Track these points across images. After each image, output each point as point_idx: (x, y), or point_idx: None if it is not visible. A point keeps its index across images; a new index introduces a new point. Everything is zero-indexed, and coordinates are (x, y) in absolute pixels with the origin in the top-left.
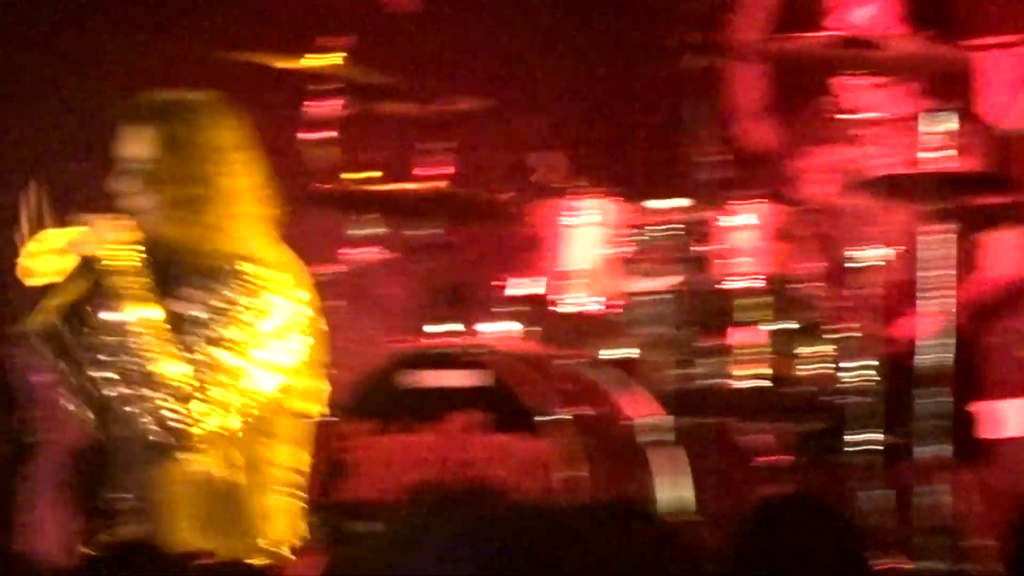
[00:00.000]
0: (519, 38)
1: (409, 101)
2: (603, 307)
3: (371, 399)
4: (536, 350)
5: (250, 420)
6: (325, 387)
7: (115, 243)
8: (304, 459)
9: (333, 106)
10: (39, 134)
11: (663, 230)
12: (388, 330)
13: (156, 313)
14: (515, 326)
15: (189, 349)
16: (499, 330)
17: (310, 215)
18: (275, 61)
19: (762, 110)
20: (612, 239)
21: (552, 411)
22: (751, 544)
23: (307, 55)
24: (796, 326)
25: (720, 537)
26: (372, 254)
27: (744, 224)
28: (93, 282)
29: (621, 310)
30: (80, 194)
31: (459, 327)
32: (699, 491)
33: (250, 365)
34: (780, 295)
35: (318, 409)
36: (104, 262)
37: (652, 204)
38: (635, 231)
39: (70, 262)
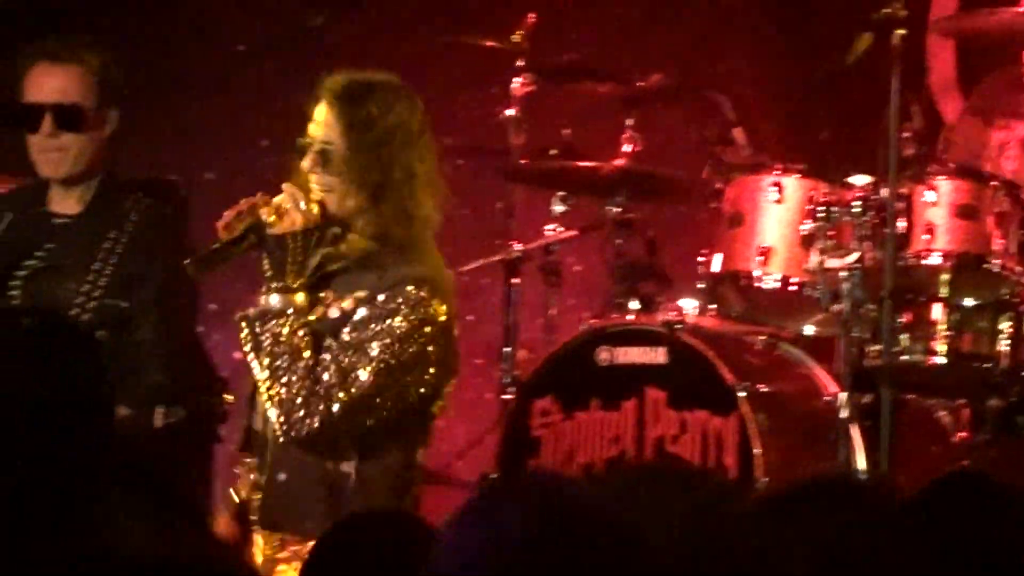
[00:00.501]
0: (709, 14)
1: (602, 79)
2: (796, 284)
3: (565, 375)
4: (730, 327)
5: (371, 423)
6: (449, 388)
7: (302, 214)
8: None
9: (526, 83)
10: (228, 117)
11: (855, 206)
12: (583, 306)
13: (301, 299)
14: (709, 303)
15: (328, 346)
16: (693, 306)
17: (506, 193)
18: (469, 39)
19: (955, 85)
20: (804, 216)
21: (747, 387)
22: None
23: (499, 33)
24: (988, 302)
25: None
26: (566, 232)
27: (935, 200)
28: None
29: (813, 287)
30: (268, 176)
31: (652, 303)
32: (893, 469)
33: (383, 375)
34: (971, 271)
35: (439, 407)
36: (281, 230)
37: (844, 180)
38: (827, 208)
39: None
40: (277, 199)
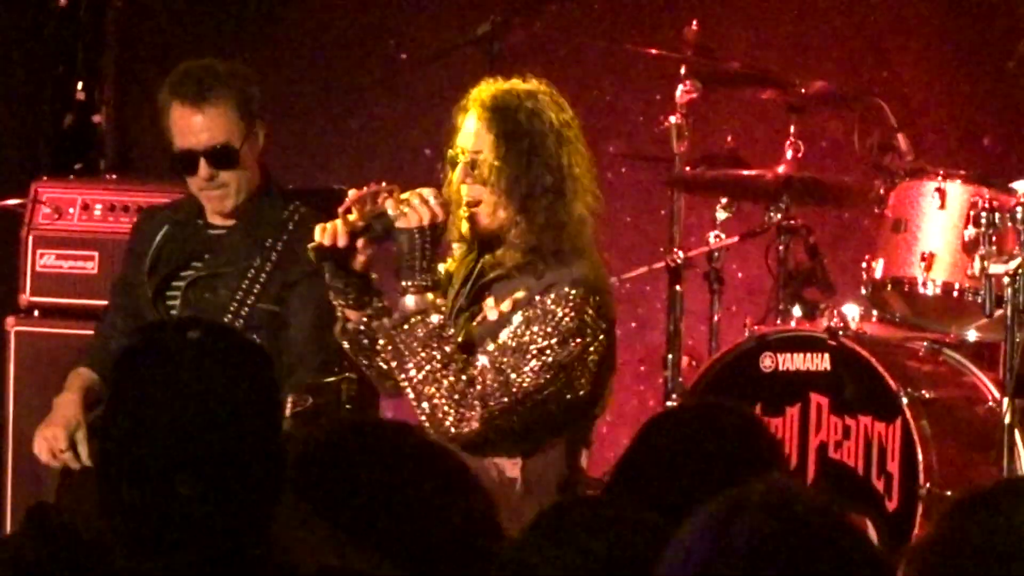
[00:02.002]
0: (873, 19)
1: (765, 85)
2: (958, 290)
3: (729, 382)
4: (893, 333)
5: (534, 423)
6: (610, 387)
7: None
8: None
9: (689, 91)
10: (393, 126)
11: (1018, 212)
12: (746, 313)
13: (432, 297)
14: (872, 308)
15: (487, 350)
16: (856, 312)
17: (669, 200)
18: (634, 47)
19: None
20: (967, 221)
21: (910, 394)
22: None
23: (664, 41)
24: None
25: None
26: (729, 238)
27: None
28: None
29: (976, 292)
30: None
31: (816, 309)
32: None
33: (544, 374)
34: None
35: (601, 407)
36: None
37: (1008, 185)
38: (989, 213)
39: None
40: (405, 194)
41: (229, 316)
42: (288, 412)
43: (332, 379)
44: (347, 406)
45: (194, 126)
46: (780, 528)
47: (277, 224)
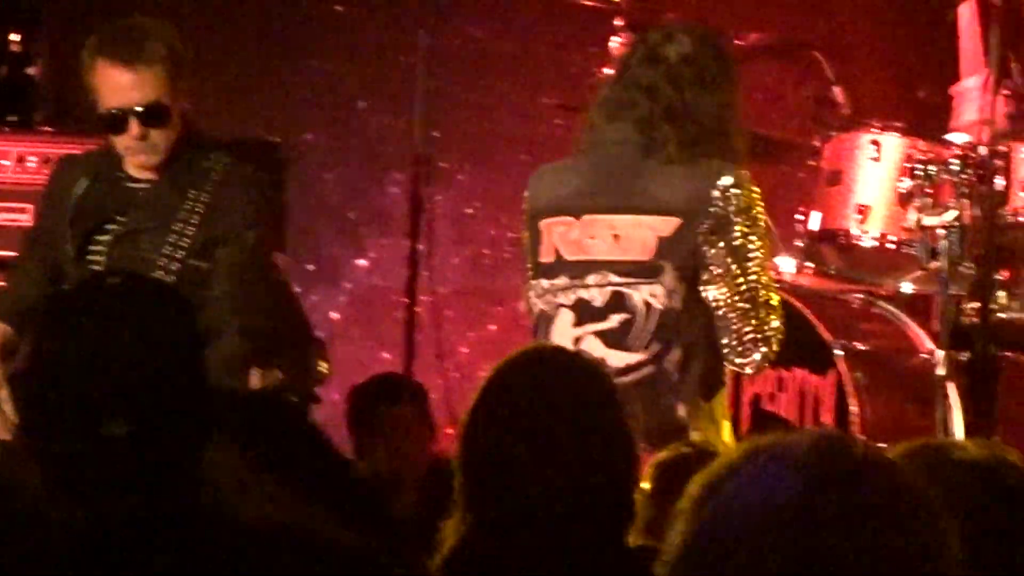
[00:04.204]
0: None
1: None
2: (893, 242)
3: None
4: (827, 285)
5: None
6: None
7: None
8: None
9: (624, 42)
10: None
11: (953, 164)
12: None
13: None
14: (807, 261)
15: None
16: (791, 264)
17: None
18: None
19: None
20: (902, 174)
21: (844, 345)
22: None
23: None
24: None
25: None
26: None
27: None
28: None
29: (911, 245)
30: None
31: None
32: (990, 426)
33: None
34: None
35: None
36: None
37: (943, 138)
38: (925, 165)
39: None
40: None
41: (159, 273)
42: (257, 385)
43: (301, 358)
44: (317, 380)
45: (125, 85)
46: (825, 479)
47: (201, 177)
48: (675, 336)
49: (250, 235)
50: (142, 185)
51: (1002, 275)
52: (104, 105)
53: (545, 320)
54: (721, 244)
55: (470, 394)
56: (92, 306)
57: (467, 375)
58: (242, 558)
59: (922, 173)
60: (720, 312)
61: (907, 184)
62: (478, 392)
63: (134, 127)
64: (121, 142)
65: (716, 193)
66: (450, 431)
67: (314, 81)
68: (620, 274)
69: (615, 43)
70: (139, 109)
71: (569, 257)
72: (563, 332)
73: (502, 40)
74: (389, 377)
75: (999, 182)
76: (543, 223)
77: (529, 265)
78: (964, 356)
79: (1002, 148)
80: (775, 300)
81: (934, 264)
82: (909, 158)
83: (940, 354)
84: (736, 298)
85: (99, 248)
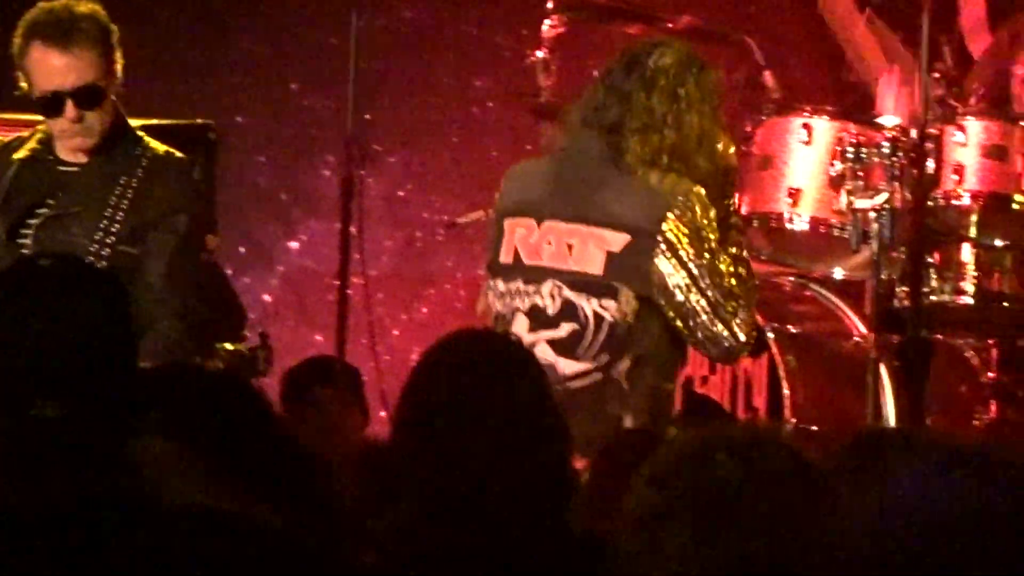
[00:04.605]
0: None
1: (631, 20)
2: (825, 225)
3: None
4: (759, 268)
5: None
6: None
7: None
8: None
9: (555, 25)
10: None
11: (884, 147)
12: None
13: None
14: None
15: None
16: None
17: (536, 135)
18: None
19: (985, 25)
20: (833, 157)
21: (776, 329)
22: None
23: None
24: (1016, 242)
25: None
26: None
27: (964, 140)
28: None
29: (842, 228)
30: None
31: None
32: (922, 409)
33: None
34: (999, 211)
35: None
36: None
37: (874, 121)
38: (856, 149)
39: None
40: None
41: (91, 258)
42: None
43: (242, 347)
44: (261, 371)
45: (60, 67)
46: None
47: (131, 161)
48: (625, 347)
49: (181, 219)
50: (73, 168)
51: (933, 258)
52: (39, 88)
53: (502, 322)
54: (672, 273)
55: (402, 377)
56: (24, 288)
57: (399, 358)
58: (166, 541)
59: (853, 156)
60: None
61: (838, 167)
62: (409, 377)
63: (70, 109)
64: (56, 125)
65: (669, 214)
66: (383, 414)
67: (246, 63)
68: (571, 286)
69: (547, 26)
70: (74, 91)
71: (527, 261)
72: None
73: (435, 22)
74: (322, 359)
75: (930, 165)
76: (507, 222)
77: (488, 263)
78: (896, 339)
79: (933, 131)
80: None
81: (865, 248)
82: (840, 141)
83: (872, 338)
84: (696, 303)
85: (28, 232)
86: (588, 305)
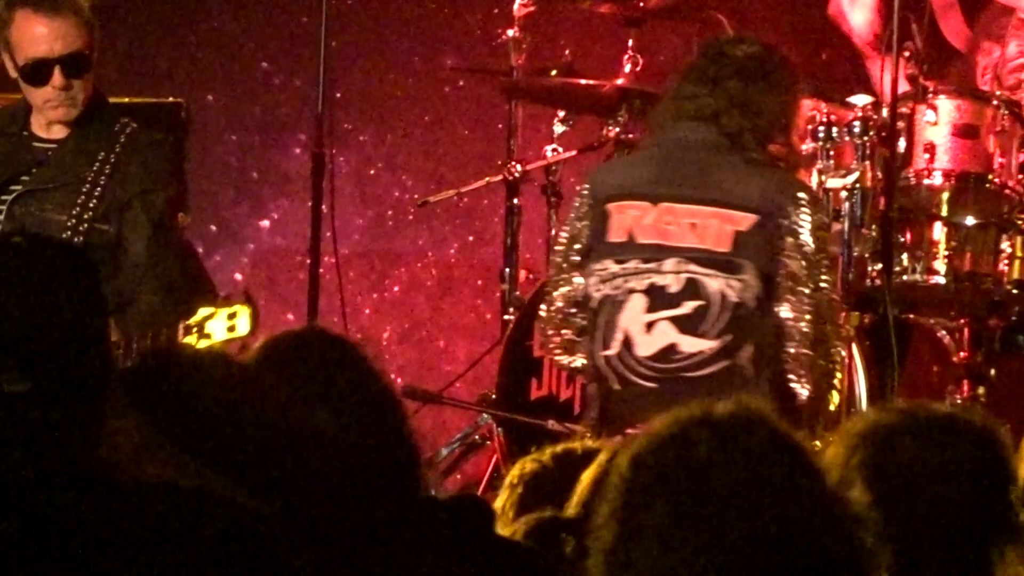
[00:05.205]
0: None
1: None
2: None
3: None
4: None
5: None
6: None
7: None
8: None
9: (526, 4)
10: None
11: (855, 126)
12: None
13: None
14: None
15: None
16: None
17: (507, 114)
18: None
19: (955, 4)
20: (805, 136)
21: None
22: None
23: None
24: (988, 221)
25: None
26: (567, 152)
27: (935, 119)
28: None
29: None
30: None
31: None
32: (894, 388)
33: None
34: (971, 190)
35: None
36: None
37: (845, 100)
38: (827, 127)
39: None
40: None
41: (67, 235)
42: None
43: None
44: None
45: (47, 35)
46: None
47: (108, 138)
48: (748, 332)
49: (159, 196)
50: (49, 145)
51: (904, 238)
52: (24, 56)
53: (611, 304)
54: (794, 257)
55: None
56: None
57: (370, 336)
58: (132, 518)
59: (824, 135)
60: (784, 330)
61: (809, 146)
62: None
63: (57, 77)
64: (42, 95)
65: (792, 207)
66: None
67: (216, 42)
68: (697, 262)
69: (518, 4)
70: (61, 58)
71: (644, 240)
72: (634, 317)
73: (404, 1)
74: None
75: (901, 144)
76: (611, 206)
77: (579, 249)
78: (867, 318)
79: (904, 110)
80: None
81: (836, 226)
82: (811, 120)
83: (843, 315)
84: (801, 318)
85: (2, 208)
86: (715, 283)
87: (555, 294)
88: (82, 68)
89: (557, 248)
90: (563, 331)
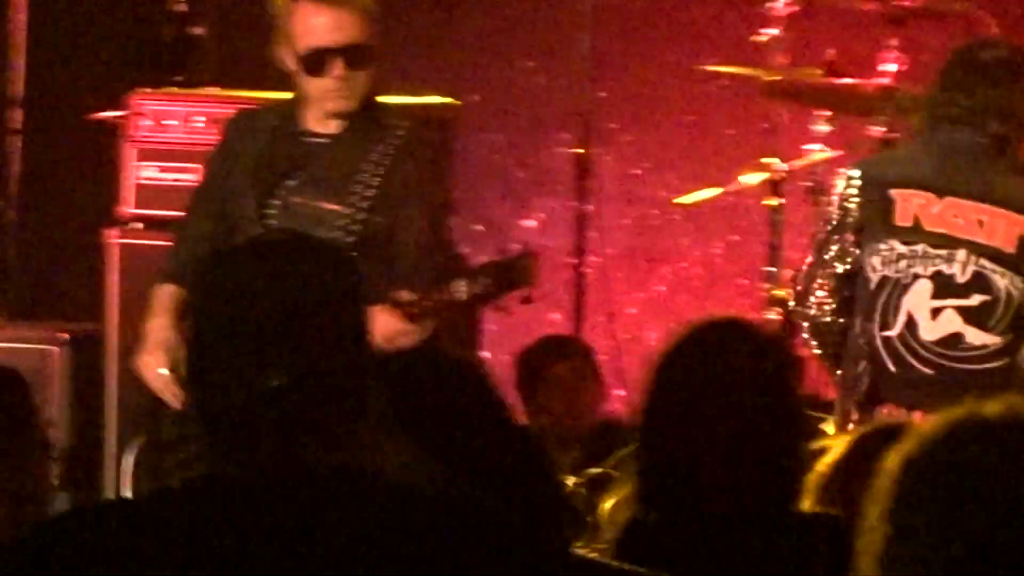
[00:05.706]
0: None
1: None
2: None
3: None
4: None
5: None
6: None
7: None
8: None
9: (789, 3)
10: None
11: None
12: None
13: None
14: None
15: None
16: None
17: (769, 113)
18: None
19: None
20: None
21: None
22: None
23: None
24: None
25: None
26: (830, 151)
27: None
28: None
29: None
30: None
31: None
32: None
33: None
34: None
35: None
36: None
37: None
38: None
39: None
40: None
41: (340, 232)
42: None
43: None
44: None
45: (328, 25)
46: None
47: (384, 135)
48: None
49: (431, 194)
50: (322, 140)
51: None
52: (304, 46)
53: (895, 287)
54: None
55: (639, 355)
56: (253, 260)
57: (635, 336)
58: (378, 519)
59: None
60: None
61: None
62: (652, 377)
63: (337, 67)
64: (320, 85)
65: None
66: (619, 392)
67: (479, 41)
68: (987, 257)
69: (782, 3)
70: (342, 48)
71: (932, 228)
72: (920, 302)
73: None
74: (556, 337)
75: None
76: (895, 192)
77: (863, 227)
78: None
79: None
80: None
81: None
82: None
83: None
84: None
85: (278, 203)
86: (1002, 280)
87: (822, 272)
88: (363, 60)
89: (823, 229)
90: (825, 315)
